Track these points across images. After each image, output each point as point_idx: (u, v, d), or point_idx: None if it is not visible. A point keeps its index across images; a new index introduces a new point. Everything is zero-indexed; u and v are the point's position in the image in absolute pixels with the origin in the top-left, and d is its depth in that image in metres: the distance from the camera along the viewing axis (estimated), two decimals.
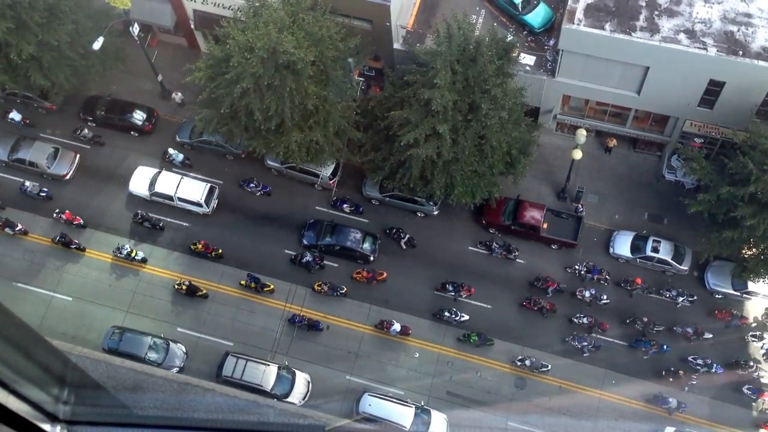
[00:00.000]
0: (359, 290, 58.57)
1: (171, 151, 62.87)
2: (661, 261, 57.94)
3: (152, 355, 55.04)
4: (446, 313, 57.12)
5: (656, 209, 60.69)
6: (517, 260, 59.28)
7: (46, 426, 7.21)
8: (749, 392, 55.20)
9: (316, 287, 58.42)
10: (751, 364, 55.74)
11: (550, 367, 56.12)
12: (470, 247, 59.93)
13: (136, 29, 58.47)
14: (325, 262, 59.31)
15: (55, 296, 58.76)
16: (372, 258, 59.12)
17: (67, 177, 62.37)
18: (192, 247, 59.68)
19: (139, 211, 60.52)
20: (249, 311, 58.22)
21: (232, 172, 62.64)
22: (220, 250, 59.80)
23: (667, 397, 54.80)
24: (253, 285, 58.32)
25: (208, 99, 53.09)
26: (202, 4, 59.86)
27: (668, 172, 60.87)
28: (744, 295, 57.59)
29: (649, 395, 55.56)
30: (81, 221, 60.44)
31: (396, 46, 57.33)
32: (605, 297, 57.51)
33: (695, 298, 57.76)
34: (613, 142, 61.63)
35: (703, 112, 55.63)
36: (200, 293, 58.50)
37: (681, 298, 57.41)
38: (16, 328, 6.81)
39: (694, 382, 55.13)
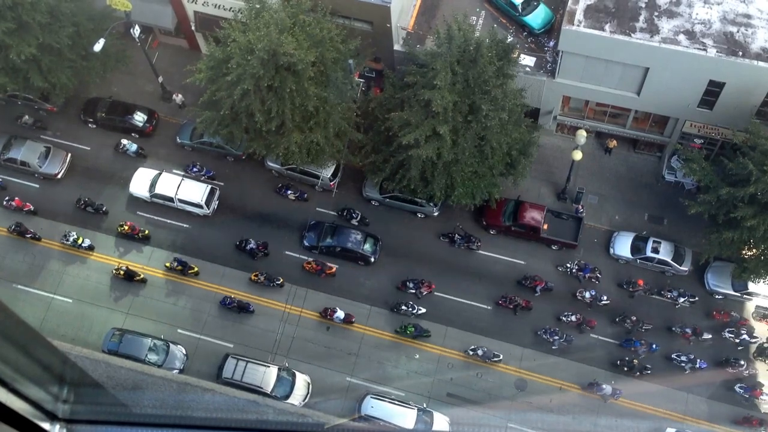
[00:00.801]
0: (372, 295, 58.71)
1: (124, 141, 63.30)
2: (661, 262, 57.98)
3: (152, 357, 55.08)
4: (403, 307, 57.60)
5: (656, 210, 60.73)
6: (518, 261, 59.35)
7: (45, 425, 7.22)
8: (741, 390, 55.33)
9: (252, 277, 58.91)
10: (742, 362, 55.76)
11: (501, 357, 56.45)
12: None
13: (137, 31, 58.52)
14: (323, 262, 59.48)
15: (56, 298, 58.80)
16: (373, 259, 59.17)
17: (59, 176, 62.50)
18: (119, 229, 60.25)
19: (81, 196, 61.16)
20: (249, 313, 58.19)
21: (232, 173, 62.67)
22: (147, 231, 60.54)
23: (602, 384, 55.05)
24: (179, 267, 58.92)
25: (209, 100, 53.11)
26: (202, 6, 59.93)
27: (668, 173, 60.90)
28: (744, 296, 57.61)
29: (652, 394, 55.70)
30: (31, 207, 60.82)
31: (396, 47, 57.37)
32: (605, 298, 57.54)
33: (696, 299, 57.81)
34: (613, 143, 61.66)
35: (702, 113, 55.66)
36: (138, 278, 58.85)
37: (682, 299, 57.45)
38: (16, 326, 6.81)
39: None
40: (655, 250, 57.93)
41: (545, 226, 58.99)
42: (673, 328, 57.08)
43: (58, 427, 7.38)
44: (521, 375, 56.70)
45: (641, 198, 61.09)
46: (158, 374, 10.63)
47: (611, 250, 59.25)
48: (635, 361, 55.76)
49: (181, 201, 60.65)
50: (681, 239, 58.79)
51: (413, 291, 58.27)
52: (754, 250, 53.74)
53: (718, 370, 56.24)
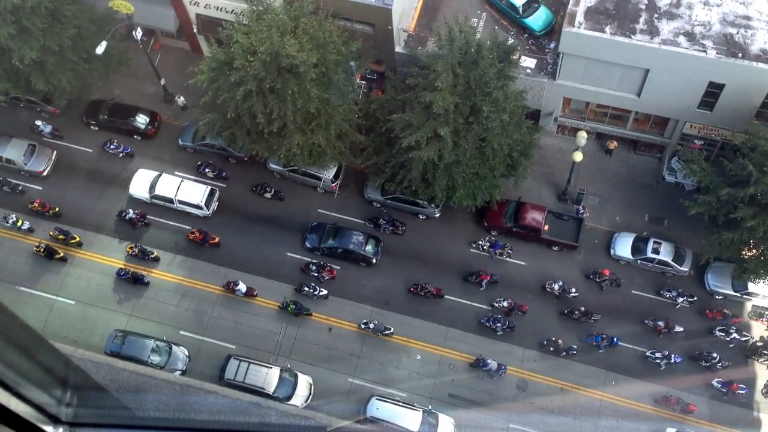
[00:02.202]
0: (374, 296, 58.77)
1: (38, 122, 63.69)
2: (661, 262, 58.06)
3: (155, 359, 55.15)
4: (306, 288, 58.27)
5: (657, 211, 60.81)
6: (519, 262, 59.43)
7: (48, 428, 7.24)
8: (719, 385, 55.44)
9: (127, 249, 59.70)
10: (714, 355, 55.87)
11: (393, 330, 57.17)
12: (472, 249, 60.02)
13: (139, 33, 58.63)
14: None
15: (58, 300, 58.90)
16: (375, 261, 59.28)
17: (44, 173, 62.70)
18: (30, 206, 60.77)
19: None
20: (251, 314, 58.36)
21: (234, 175, 62.78)
22: (57, 209, 61.02)
23: (486, 359, 55.58)
24: (61, 237, 59.56)
25: (211, 102, 53.22)
26: (204, 9, 60.05)
27: (668, 174, 60.98)
28: (744, 296, 57.68)
29: (652, 395, 55.79)
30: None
31: (397, 49, 57.45)
32: (574, 290, 57.85)
33: (695, 298, 57.98)
34: (613, 144, 61.73)
35: (702, 114, 55.73)
36: (58, 256, 59.30)
37: (681, 299, 57.61)
38: (18, 329, 6.82)
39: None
40: (656, 251, 58.02)
41: (546, 227, 59.09)
42: (646, 321, 57.36)
43: (61, 430, 7.38)
44: (523, 376, 56.77)
45: (642, 199, 61.18)
46: (161, 376, 10.68)
47: (612, 251, 59.35)
48: (559, 342, 56.27)
49: (181, 202, 60.74)
50: (681, 240, 58.87)
51: (316, 275, 59.02)
52: (754, 251, 53.82)
53: (695, 366, 56.59)
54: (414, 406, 54.03)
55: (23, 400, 6.84)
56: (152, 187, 61.17)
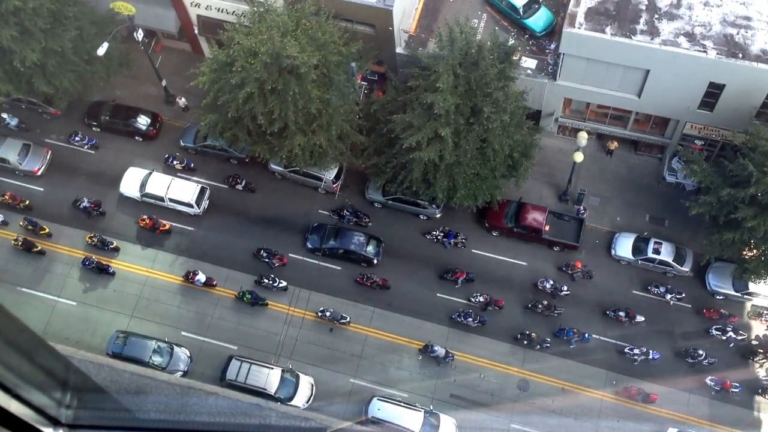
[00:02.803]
0: (375, 297, 58.85)
1: (4, 115, 64.11)
2: (662, 262, 58.10)
3: (156, 359, 55.23)
4: (265, 280, 58.55)
5: (657, 211, 60.85)
6: (520, 262, 59.49)
7: (48, 430, 7.22)
8: (712, 383, 55.53)
9: (87, 239, 60.01)
10: (701, 352, 55.97)
11: (349, 318, 57.66)
12: (473, 250, 60.07)
13: (140, 35, 58.70)
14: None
15: (60, 301, 58.99)
16: (376, 261, 59.35)
17: (39, 173, 62.81)
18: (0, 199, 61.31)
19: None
20: (253, 315, 58.40)
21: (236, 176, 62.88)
22: (27, 201, 61.48)
23: (434, 346, 55.94)
24: (30, 227, 59.99)
25: (213, 103, 53.28)
26: (205, 10, 60.11)
27: (669, 174, 61.02)
28: (745, 296, 57.72)
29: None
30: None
31: (398, 50, 57.49)
32: (566, 288, 58.04)
33: (683, 294, 58.13)
34: (614, 145, 61.76)
35: (703, 115, 55.77)
36: (36, 249, 59.67)
37: (669, 296, 57.81)
38: (18, 331, 6.79)
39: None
40: (657, 251, 58.07)
41: (547, 228, 59.14)
42: (607, 312, 57.66)
43: None
44: (524, 376, 56.83)
45: (642, 199, 61.21)
46: (162, 378, 10.66)
47: (613, 251, 59.40)
48: (533, 335, 56.50)
49: (171, 200, 60.88)
50: (682, 240, 58.90)
51: (266, 261, 59.48)
52: (754, 251, 53.83)
53: (681, 363, 56.84)
54: (415, 406, 54.09)
55: (23, 403, 6.83)
56: (143, 185, 61.28)
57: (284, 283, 58.91)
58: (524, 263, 59.72)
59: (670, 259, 57.88)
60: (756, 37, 51.12)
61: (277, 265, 59.64)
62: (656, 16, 52.31)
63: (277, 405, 10.90)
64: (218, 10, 59.45)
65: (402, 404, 54.16)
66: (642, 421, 55.41)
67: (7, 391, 6.67)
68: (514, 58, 52.48)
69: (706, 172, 53.03)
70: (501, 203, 59.15)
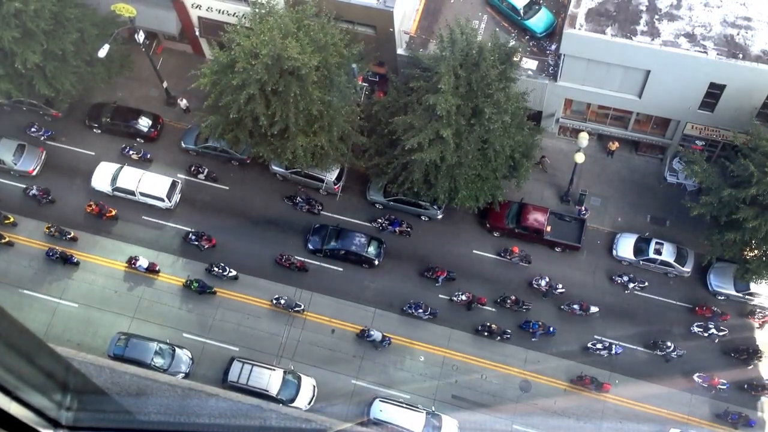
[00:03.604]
0: (376, 298, 58.86)
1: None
2: (663, 263, 58.12)
3: (158, 361, 55.26)
4: (215, 269, 58.98)
5: (658, 211, 60.87)
6: (522, 263, 59.50)
7: None
8: (700, 380, 55.64)
9: (44, 230, 60.48)
10: (669, 344, 56.13)
11: (303, 306, 58.29)
12: (474, 251, 60.12)
13: (141, 36, 58.76)
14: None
15: (61, 303, 59.03)
16: (377, 262, 59.39)
17: (34, 173, 62.92)
18: None
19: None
20: (255, 316, 58.45)
21: (237, 177, 62.90)
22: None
23: (370, 331, 56.54)
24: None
25: (214, 105, 53.33)
26: (206, 12, 60.18)
27: (670, 175, 61.04)
28: (746, 296, 57.71)
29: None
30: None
31: (399, 51, 57.54)
32: (560, 286, 58.27)
33: (646, 284, 58.42)
34: (615, 146, 61.77)
35: (704, 115, 55.79)
36: (4, 241, 60.14)
37: (632, 284, 58.20)
38: (18, 333, 6.78)
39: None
40: (658, 252, 58.09)
41: (548, 229, 59.16)
42: (562, 307, 57.96)
43: None
44: (525, 377, 56.86)
45: (643, 200, 61.23)
46: (163, 380, 10.63)
47: (614, 252, 59.41)
48: (493, 326, 56.87)
49: (142, 194, 61.11)
50: (683, 240, 58.91)
51: (195, 244, 60.19)
52: (755, 251, 53.81)
53: (650, 355, 57.10)
54: (417, 407, 54.11)
55: (23, 404, 6.83)
56: (114, 179, 61.54)
57: (234, 272, 59.29)
58: (525, 264, 59.67)
59: (671, 260, 57.90)
60: (756, 38, 51.15)
61: (206, 247, 60.24)
62: (656, 16, 52.34)
63: (278, 406, 10.89)
64: (219, 12, 59.52)
65: (404, 405, 54.17)
66: (643, 421, 55.40)
67: (7, 393, 6.66)
68: (515, 59, 52.56)
69: (707, 173, 53.03)
70: (502, 204, 59.16)
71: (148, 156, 63.61)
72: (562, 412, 55.82)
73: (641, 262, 58.57)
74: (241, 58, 49.11)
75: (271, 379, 54.50)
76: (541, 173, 61.58)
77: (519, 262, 59.57)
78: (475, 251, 60.13)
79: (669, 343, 56.13)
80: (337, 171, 60.89)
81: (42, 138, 64.03)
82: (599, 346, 56.38)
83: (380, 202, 61.12)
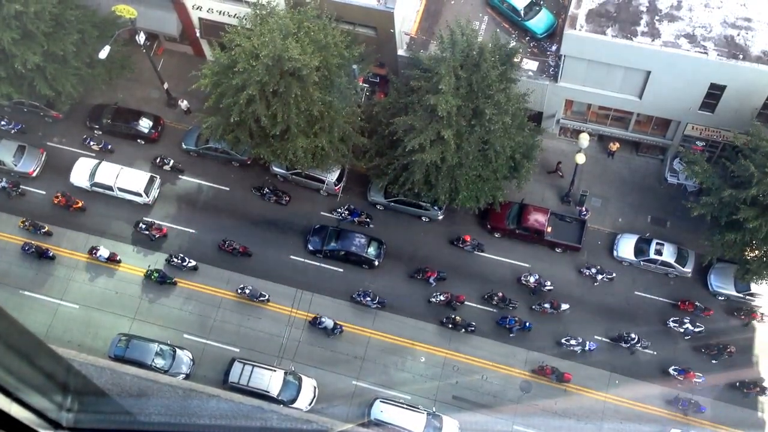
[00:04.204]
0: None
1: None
2: (664, 263, 58.14)
3: (159, 362, 55.29)
4: (175, 259, 59.41)
5: (659, 212, 60.88)
6: (522, 263, 59.54)
7: None
8: (675, 373, 55.82)
9: (19, 224, 60.96)
10: (633, 336, 56.37)
11: (268, 296, 58.56)
12: (474, 252, 60.11)
13: (142, 38, 58.79)
14: (325, 266, 59.94)
15: (62, 304, 59.05)
16: (377, 263, 59.42)
17: (34, 174, 63.01)
18: None
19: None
20: (255, 317, 58.47)
21: (238, 178, 62.93)
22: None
23: (322, 318, 57.32)
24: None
25: (215, 106, 53.34)
26: (207, 13, 60.20)
27: (671, 176, 61.07)
28: (747, 297, 57.72)
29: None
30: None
31: (400, 52, 57.55)
32: (548, 283, 58.53)
33: (614, 275, 58.74)
34: (615, 146, 61.77)
35: (704, 116, 55.79)
36: None
37: (600, 276, 58.52)
38: (18, 334, 6.78)
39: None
40: (659, 252, 58.10)
41: (549, 229, 59.17)
42: (533, 307, 58.16)
43: None
44: (526, 377, 56.87)
45: (644, 200, 61.25)
46: (163, 380, 10.63)
47: (615, 253, 59.43)
48: (457, 318, 57.23)
49: (120, 189, 61.36)
50: (684, 241, 58.92)
51: (146, 233, 60.59)
52: (756, 252, 53.83)
53: (615, 347, 57.34)
54: (418, 408, 54.11)
55: (24, 406, 6.84)
56: (92, 175, 61.73)
57: (193, 263, 59.66)
58: (526, 265, 59.72)
59: (672, 260, 57.92)
60: (756, 38, 51.17)
61: (157, 236, 60.62)
62: (657, 17, 52.35)
63: (279, 407, 10.90)
64: (220, 13, 59.53)
65: (404, 406, 54.18)
66: (644, 422, 55.42)
67: (8, 394, 6.66)
68: (516, 60, 52.61)
69: (708, 173, 53.03)
70: (503, 205, 59.17)
71: (109, 147, 63.97)
72: (563, 413, 55.84)
73: (642, 263, 58.59)
74: (241, 59, 49.13)
75: (271, 380, 54.51)
76: (541, 174, 61.51)
77: (472, 251, 59.99)
78: (475, 252, 60.07)
79: (633, 335, 56.42)
80: (338, 172, 60.91)
81: (12, 132, 64.27)
82: (573, 342, 56.46)
83: (381, 203, 61.15)
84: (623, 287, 58.88)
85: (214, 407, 10.34)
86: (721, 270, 58.31)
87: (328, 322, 57.07)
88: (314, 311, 58.27)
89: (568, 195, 61.05)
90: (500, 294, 57.90)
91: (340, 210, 61.14)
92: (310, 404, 54.73)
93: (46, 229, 60.69)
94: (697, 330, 56.79)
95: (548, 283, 58.38)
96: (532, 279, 58.42)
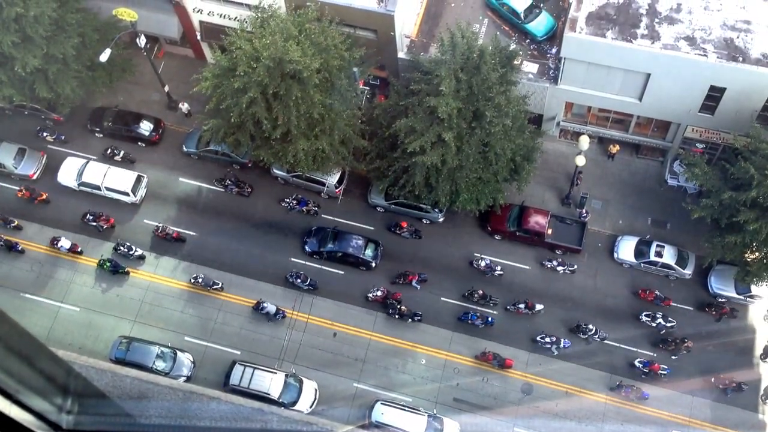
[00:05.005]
0: (378, 302, 58.92)
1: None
2: (664, 265, 58.17)
3: (160, 365, 55.33)
4: (121, 248, 60.10)
5: (659, 214, 60.94)
6: (522, 266, 59.61)
7: None
8: (641, 365, 56.06)
9: None
10: (590, 327, 56.68)
11: (221, 284, 59.22)
12: (475, 254, 60.14)
13: (142, 41, 58.86)
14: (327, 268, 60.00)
15: (63, 307, 59.11)
16: (374, 264, 59.52)
17: (34, 177, 63.13)
18: None
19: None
20: (256, 320, 58.51)
21: (238, 181, 62.91)
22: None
23: (264, 303, 57.68)
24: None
25: (215, 109, 53.40)
26: (208, 16, 60.28)
27: (671, 178, 61.13)
28: (747, 299, 57.77)
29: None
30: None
31: (400, 55, 57.60)
32: (499, 268, 59.17)
33: (576, 267, 59.25)
34: (615, 149, 61.84)
35: (704, 118, 55.85)
36: None
37: (561, 268, 59.08)
38: (18, 336, 6.75)
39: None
40: (659, 254, 58.13)
41: (550, 231, 59.22)
42: (507, 307, 58.26)
43: None
44: (527, 379, 56.90)
45: (644, 202, 61.30)
46: (164, 383, 10.63)
47: (615, 255, 59.47)
48: (402, 308, 57.53)
49: (108, 189, 61.50)
50: (684, 243, 58.95)
51: (93, 224, 60.93)
52: (756, 254, 53.83)
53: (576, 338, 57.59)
54: (419, 410, 54.13)
55: (23, 408, 6.82)
56: (80, 174, 61.90)
57: (140, 251, 60.19)
58: (527, 267, 59.78)
59: (672, 262, 57.96)
60: (756, 41, 51.22)
61: (105, 227, 60.95)
62: (657, 20, 52.41)
63: (279, 409, 10.92)
64: (220, 16, 59.63)
65: (405, 408, 54.20)
66: (645, 424, 55.43)
67: (7, 396, 6.65)
68: (516, 62, 52.60)
69: (708, 176, 53.08)
70: (503, 207, 59.22)
71: (62, 138, 64.49)
72: (564, 415, 55.88)
73: (642, 265, 58.63)
74: (242, 61, 49.16)
75: (272, 383, 54.56)
76: (542, 176, 61.53)
77: (409, 237, 60.45)
78: (476, 254, 60.13)
79: (591, 326, 56.71)
80: (339, 174, 60.96)
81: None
82: (547, 340, 56.62)
83: (381, 205, 61.21)
84: (625, 289, 58.88)
85: (215, 409, 10.34)
86: (722, 272, 58.32)
87: (271, 308, 57.64)
88: (315, 314, 58.32)
89: (568, 197, 61.11)
90: (480, 291, 58.01)
91: (288, 199, 61.62)
92: (311, 406, 54.78)
93: (16, 223, 61.04)
94: (669, 325, 57.00)
95: (498, 267, 59.08)
96: (483, 263, 58.91)
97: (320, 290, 59.11)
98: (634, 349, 57.28)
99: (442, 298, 59.07)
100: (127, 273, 59.91)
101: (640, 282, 58.80)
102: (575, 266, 59.14)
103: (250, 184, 62.28)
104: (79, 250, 60.27)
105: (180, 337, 58.02)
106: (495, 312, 58.12)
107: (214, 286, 58.76)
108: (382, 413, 53.81)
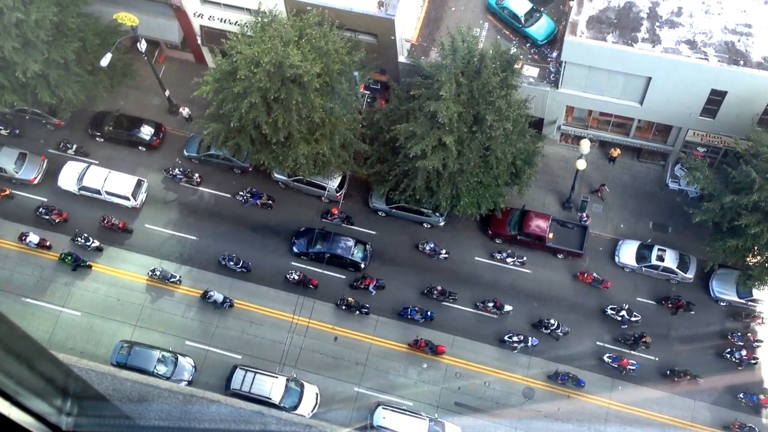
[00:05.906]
0: (379, 305, 58.84)
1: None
2: (666, 269, 58.11)
3: (161, 369, 55.31)
4: (80, 239, 60.03)
5: (661, 218, 60.91)
6: (525, 269, 59.56)
7: None
8: (609, 360, 56.26)
9: None
10: (552, 322, 56.96)
11: (179, 277, 59.76)
12: (476, 258, 60.15)
13: (143, 45, 58.89)
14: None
15: (64, 311, 59.08)
16: (363, 266, 59.53)
17: (35, 182, 63.13)
18: None
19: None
20: (257, 324, 58.50)
21: (239, 185, 62.93)
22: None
23: (211, 292, 58.50)
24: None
25: (216, 113, 53.41)
26: (209, 20, 60.32)
27: (672, 182, 61.11)
28: (749, 303, 57.71)
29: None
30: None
31: (401, 59, 57.64)
32: (444, 251, 59.71)
33: (525, 259, 59.67)
34: (617, 152, 61.85)
35: (705, 122, 55.84)
36: None
37: (510, 260, 59.65)
38: (18, 339, 6.81)
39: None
40: (660, 258, 58.08)
41: (551, 235, 59.17)
42: (477, 304, 58.41)
43: None
44: (528, 383, 56.85)
45: (646, 206, 61.27)
46: (164, 386, 10.64)
47: (616, 259, 59.42)
48: (349, 299, 58.15)
49: (108, 193, 61.54)
50: (685, 247, 58.92)
51: (46, 218, 61.32)
52: (758, 258, 53.81)
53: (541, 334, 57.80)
54: (420, 414, 54.07)
55: (24, 410, 6.85)
56: (80, 178, 62.00)
57: (97, 243, 60.33)
58: (528, 271, 59.75)
59: (673, 266, 57.90)
60: (757, 44, 51.23)
61: (57, 221, 61.19)
62: (657, 23, 52.43)
63: (279, 412, 10.91)
64: (221, 21, 59.67)
65: (406, 412, 54.14)
66: (646, 427, 55.37)
67: (8, 398, 6.68)
68: (516, 66, 52.56)
69: (709, 179, 53.06)
70: (504, 211, 59.21)
71: (17, 132, 64.85)
72: (566, 418, 55.83)
73: (644, 269, 58.59)
74: (242, 66, 49.18)
75: (273, 387, 54.52)
76: (543, 180, 61.54)
77: (341, 223, 60.95)
78: (476, 258, 60.14)
79: (553, 321, 56.96)
80: (339, 179, 60.94)
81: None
82: (515, 338, 56.71)
83: (382, 209, 61.18)
84: (627, 293, 58.84)
85: (215, 412, 10.34)
86: (723, 276, 58.28)
87: (218, 296, 58.05)
88: (315, 318, 58.28)
89: (569, 201, 61.08)
90: (439, 288, 58.18)
91: (242, 193, 61.97)
92: (312, 410, 54.73)
93: None
94: (633, 319, 57.20)
95: (444, 251, 59.63)
96: (428, 247, 59.42)
97: (320, 293, 59.07)
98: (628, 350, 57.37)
99: (443, 302, 58.95)
100: (90, 267, 60.13)
101: (643, 287, 58.73)
102: (524, 258, 59.87)
103: (199, 174, 62.96)
104: (47, 244, 60.46)
105: (181, 342, 57.98)
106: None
107: (171, 279, 59.06)
108: (383, 417, 53.72)
